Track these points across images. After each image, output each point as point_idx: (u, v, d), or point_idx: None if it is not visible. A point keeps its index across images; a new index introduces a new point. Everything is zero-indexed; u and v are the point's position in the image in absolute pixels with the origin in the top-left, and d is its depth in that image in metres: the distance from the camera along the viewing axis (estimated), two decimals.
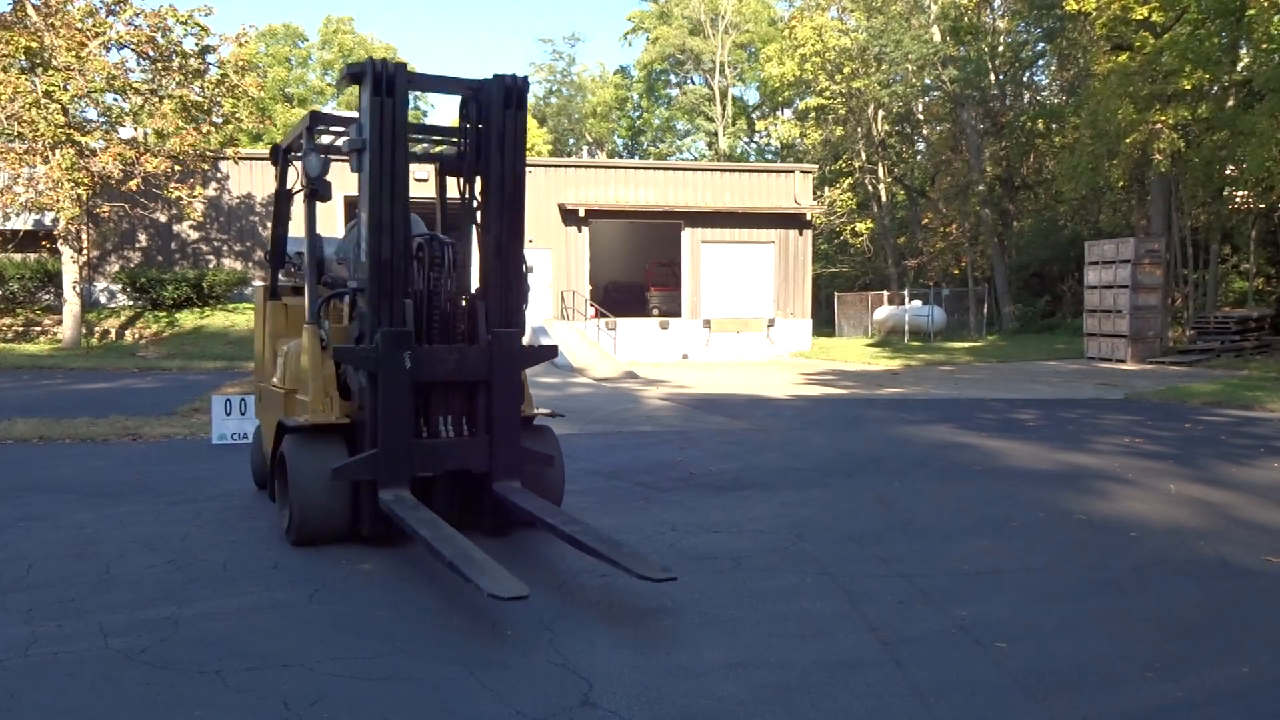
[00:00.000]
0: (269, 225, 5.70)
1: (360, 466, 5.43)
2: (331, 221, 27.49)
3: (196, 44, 23.68)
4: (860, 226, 45.06)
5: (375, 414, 5.45)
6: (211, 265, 27.44)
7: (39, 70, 21.82)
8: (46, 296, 25.50)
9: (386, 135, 5.54)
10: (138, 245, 27.13)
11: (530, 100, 5.66)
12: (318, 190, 5.88)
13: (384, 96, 5.50)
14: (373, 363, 5.42)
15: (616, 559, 4.42)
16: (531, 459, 5.85)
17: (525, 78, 5.93)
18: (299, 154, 6.24)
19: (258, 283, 7.53)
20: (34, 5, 21.51)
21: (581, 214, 28.28)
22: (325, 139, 6.82)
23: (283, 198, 7.07)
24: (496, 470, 5.67)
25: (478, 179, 6.01)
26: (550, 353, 6.20)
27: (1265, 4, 19.56)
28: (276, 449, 5.99)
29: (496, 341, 5.73)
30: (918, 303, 34.32)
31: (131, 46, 22.84)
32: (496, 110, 5.79)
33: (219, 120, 24.51)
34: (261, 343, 7.06)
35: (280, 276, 7.20)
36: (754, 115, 55.16)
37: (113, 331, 24.39)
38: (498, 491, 5.63)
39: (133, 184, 22.24)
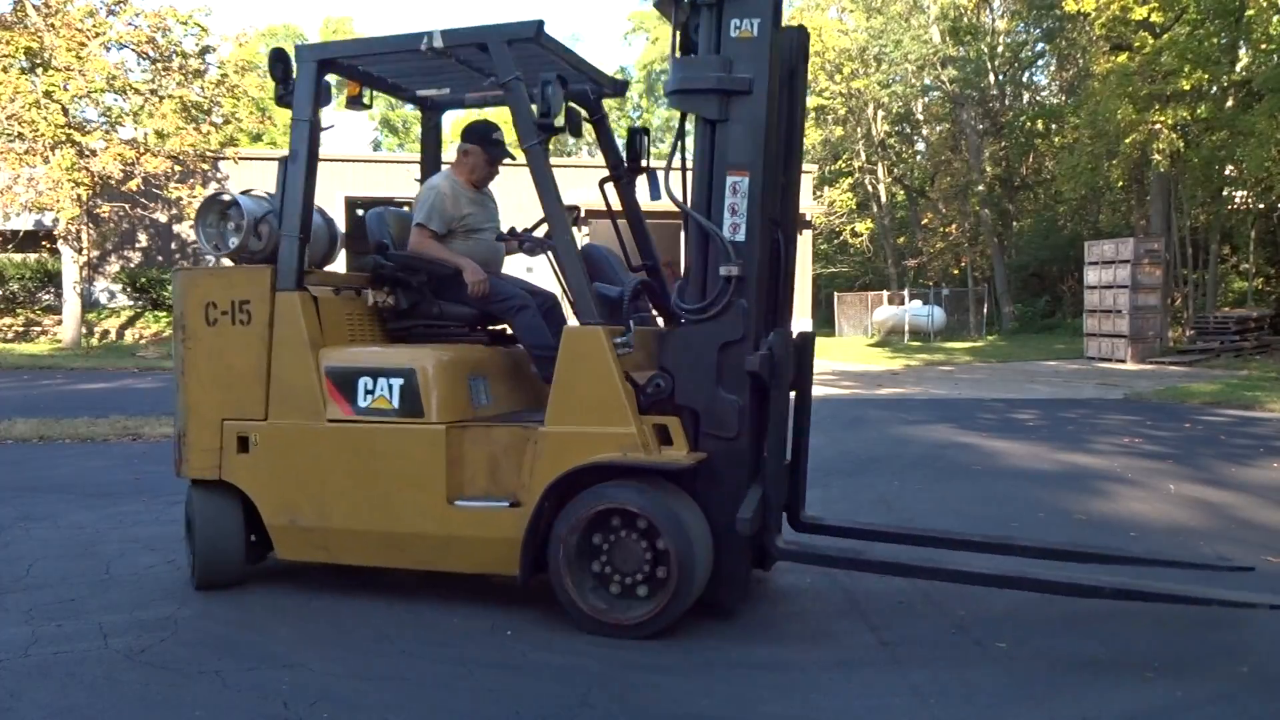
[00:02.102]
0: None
1: (760, 513, 4.01)
2: None
3: (196, 44, 23.71)
4: (860, 226, 45.03)
5: (756, 441, 4.17)
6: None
7: (39, 70, 21.83)
8: (46, 296, 25.52)
9: (782, 75, 4.20)
10: (138, 245, 27.15)
11: None
12: (567, 131, 4.61)
13: (777, 29, 4.08)
14: (768, 373, 4.02)
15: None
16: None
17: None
18: (504, 78, 4.26)
19: (192, 266, 5.06)
20: (34, 5, 21.51)
21: (581, 214, 28.25)
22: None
23: (313, 145, 4.72)
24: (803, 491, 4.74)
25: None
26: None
27: (1265, 4, 19.56)
28: (542, 514, 4.05)
29: (802, 335, 4.58)
30: (917, 303, 34.30)
31: (131, 46, 22.84)
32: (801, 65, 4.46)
33: (219, 120, 24.51)
34: (262, 359, 4.49)
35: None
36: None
37: (113, 331, 24.40)
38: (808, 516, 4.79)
39: (133, 184, 22.24)
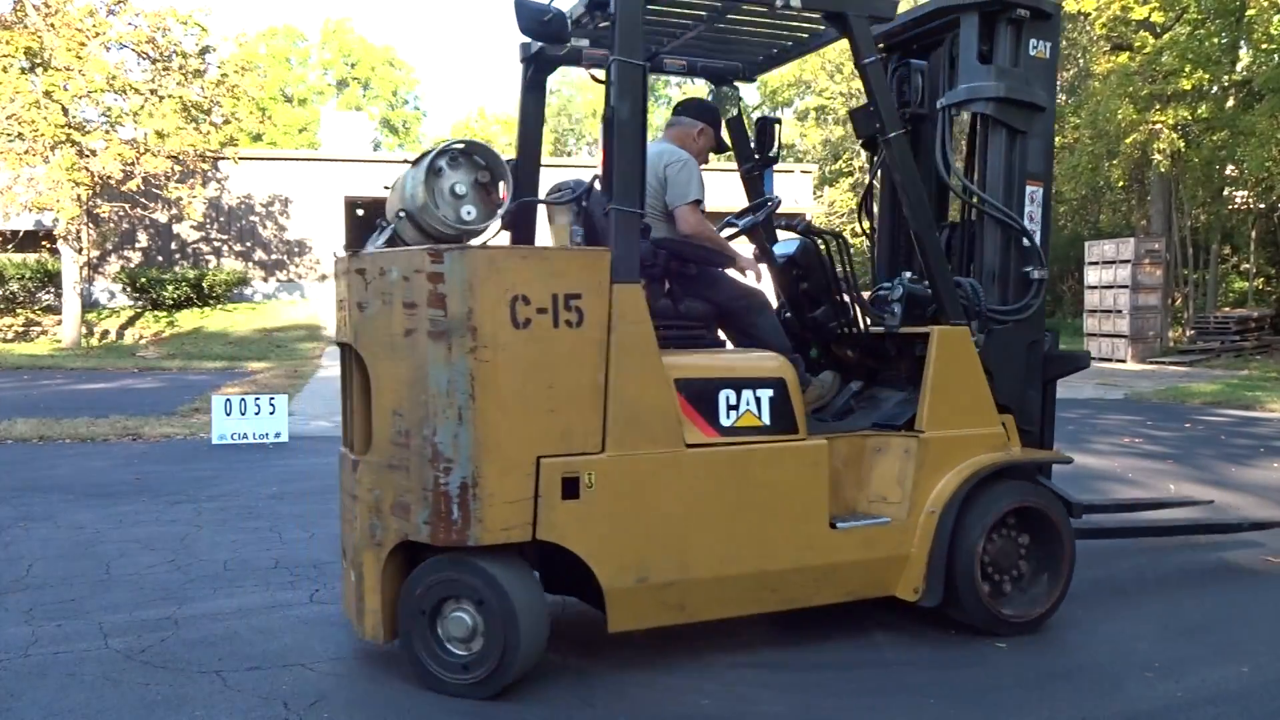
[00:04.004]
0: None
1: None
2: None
3: (196, 44, 23.67)
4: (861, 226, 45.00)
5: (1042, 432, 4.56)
6: (211, 265, 27.45)
7: (39, 70, 21.82)
8: (46, 296, 25.49)
9: None
10: (138, 245, 27.13)
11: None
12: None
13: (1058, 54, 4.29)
14: (1064, 367, 4.58)
15: None
16: None
17: None
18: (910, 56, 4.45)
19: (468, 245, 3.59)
20: (34, 5, 21.50)
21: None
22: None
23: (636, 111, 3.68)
24: None
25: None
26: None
27: (1265, 4, 19.56)
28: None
29: None
30: None
31: (131, 46, 22.81)
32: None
33: (219, 120, 24.49)
34: (599, 373, 3.49)
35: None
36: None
37: (113, 331, 24.39)
38: None
39: (133, 184, 22.21)
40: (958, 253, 4.62)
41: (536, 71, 4.28)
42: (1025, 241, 4.38)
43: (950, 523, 3.91)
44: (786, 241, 4.71)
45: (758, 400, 3.72)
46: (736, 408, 3.69)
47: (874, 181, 5.08)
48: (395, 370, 3.41)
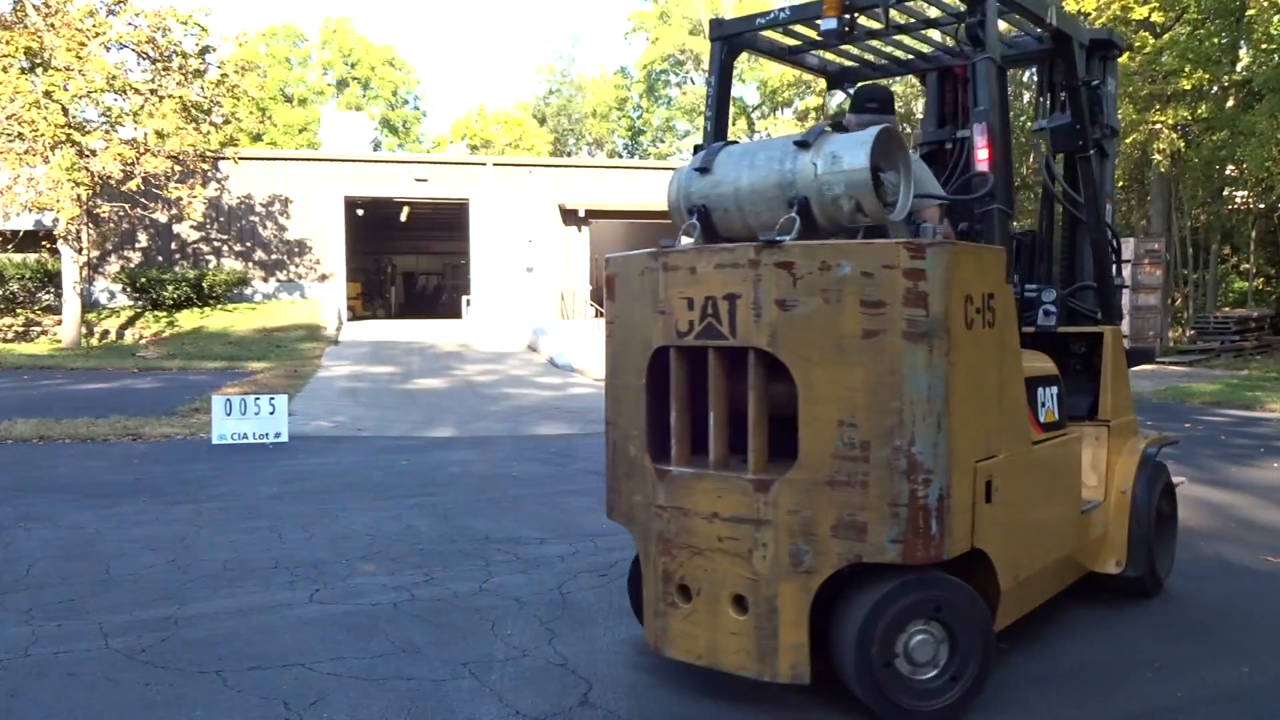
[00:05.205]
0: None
1: None
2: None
3: (196, 44, 23.68)
4: None
5: None
6: (211, 265, 27.48)
7: (39, 70, 21.82)
8: (46, 296, 25.51)
9: None
10: (138, 245, 27.17)
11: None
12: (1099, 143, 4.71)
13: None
14: None
15: None
16: None
17: None
18: (1085, 81, 4.56)
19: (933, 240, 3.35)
20: (34, 5, 21.50)
21: (581, 214, 28.29)
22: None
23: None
24: None
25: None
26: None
27: (1265, 4, 19.56)
28: None
29: None
30: None
31: (131, 46, 22.83)
32: None
33: (219, 120, 24.50)
34: (1000, 373, 3.45)
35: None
36: (754, 115, 55.16)
37: (113, 331, 24.39)
38: None
39: (133, 184, 22.23)
40: (1027, 258, 4.80)
41: (728, 54, 4.27)
42: (1112, 254, 4.83)
43: (1141, 499, 4.37)
44: None
45: (1051, 396, 3.95)
46: (1045, 404, 3.89)
47: (1050, 189, 5.16)
48: (843, 376, 3.07)
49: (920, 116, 5.19)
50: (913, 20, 4.21)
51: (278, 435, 9.93)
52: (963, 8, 3.73)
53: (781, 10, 4.11)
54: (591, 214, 28.40)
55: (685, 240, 3.47)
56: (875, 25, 4.09)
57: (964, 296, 3.15)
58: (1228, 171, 25.31)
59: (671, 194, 3.65)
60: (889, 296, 3.02)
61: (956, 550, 3.14)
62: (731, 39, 4.21)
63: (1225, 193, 26.97)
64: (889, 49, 4.72)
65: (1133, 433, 4.70)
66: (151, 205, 24.67)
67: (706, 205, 3.45)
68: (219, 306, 26.19)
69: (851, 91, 4.64)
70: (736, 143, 3.67)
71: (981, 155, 3.59)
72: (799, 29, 4.26)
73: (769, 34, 4.34)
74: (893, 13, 3.90)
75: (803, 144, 3.28)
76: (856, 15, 3.90)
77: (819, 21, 3.90)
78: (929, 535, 3.04)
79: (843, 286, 3.06)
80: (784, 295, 3.14)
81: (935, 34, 4.55)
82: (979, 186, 3.60)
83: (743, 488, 3.22)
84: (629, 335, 3.59)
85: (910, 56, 4.79)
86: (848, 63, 4.86)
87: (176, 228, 27.00)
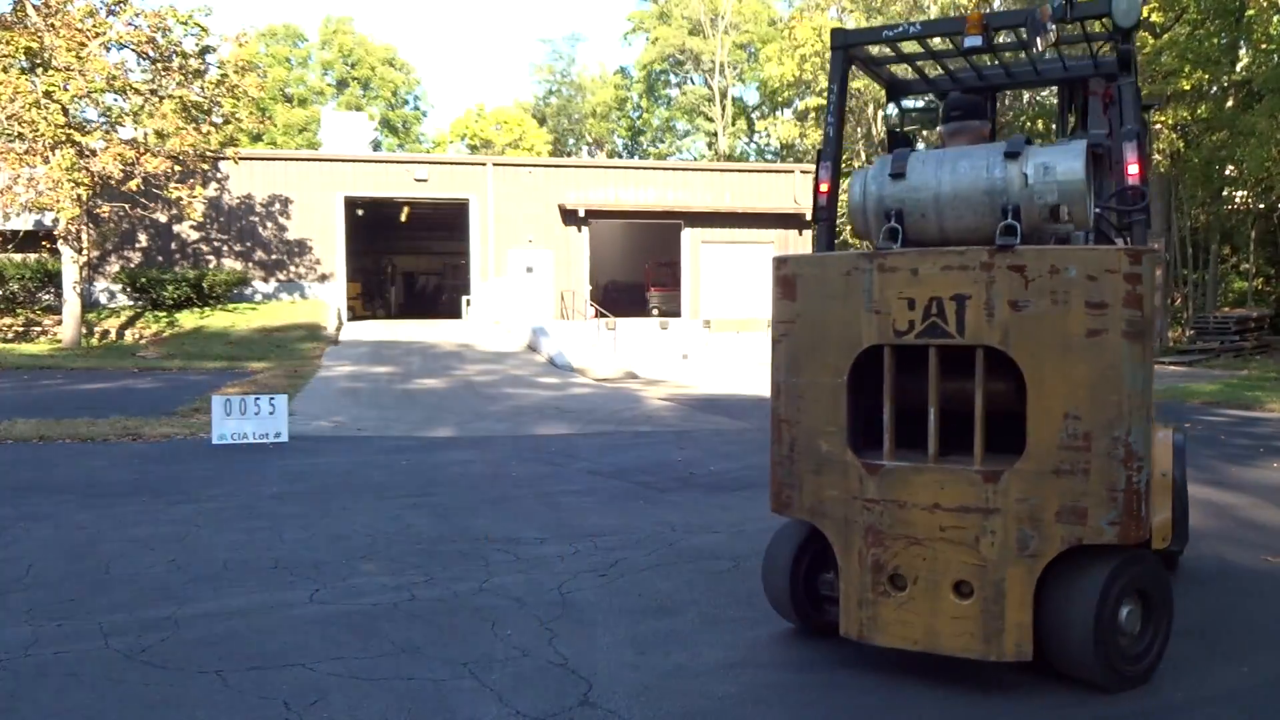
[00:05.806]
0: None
1: None
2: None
3: (196, 44, 23.67)
4: None
5: None
6: (211, 265, 27.48)
7: (39, 70, 21.82)
8: (46, 296, 25.51)
9: None
10: (138, 245, 27.16)
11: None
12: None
13: None
14: None
15: None
16: None
17: None
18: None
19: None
20: (34, 5, 21.50)
21: (581, 214, 28.29)
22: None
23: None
24: None
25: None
26: None
27: (1265, 4, 19.57)
28: None
29: None
30: None
31: (131, 46, 22.83)
32: None
33: (219, 120, 24.49)
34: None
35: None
36: (754, 115, 55.15)
37: (113, 331, 24.39)
38: None
39: (133, 184, 22.23)
40: None
41: (845, 62, 4.41)
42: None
43: (1180, 481, 4.58)
44: None
45: None
46: None
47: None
48: (1071, 372, 3.31)
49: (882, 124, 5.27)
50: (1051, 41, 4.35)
51: (278, 435, 9.93)
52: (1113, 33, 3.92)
53: (911, 24, 4.25)
54: (591, 214, 28.42)
55: (887, 244, 3.59)
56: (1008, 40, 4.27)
57: (1154, 298, 3.44)
58: (1227, 172, 25.31)
59: (854, 196, 3.79)
60: (1110, 298, 3.27)
61: (1152, 530, 3.45)
62: (850, 49, 4.33)
63: (1225, 193, 26.98)
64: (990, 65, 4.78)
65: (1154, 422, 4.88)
66: (151, 205, 24.67)
67: (903, 209, 3.58)
68: (219, 306, 26.18)
69: (904, 104, 4.85)
70: (919, 150, 3.85)
71: (1133, 170, 3.77)
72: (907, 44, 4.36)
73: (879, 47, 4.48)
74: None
75: (1012, 154, 3.51)
76: (996, 32, 4.04)
77: (963, 38, 4.05)
78: (1140, 517, 3.30)
79: (1070, 288, 3.30)
80: (1016, 296, 3.35)
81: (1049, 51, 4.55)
82: (1134, 199, 3.79)
83: (970, 479, 3.40)
84: (820, 335, 3.70)
85: (1010, 76, 4.89)
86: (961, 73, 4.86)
87: (176, 228, 26.99)
